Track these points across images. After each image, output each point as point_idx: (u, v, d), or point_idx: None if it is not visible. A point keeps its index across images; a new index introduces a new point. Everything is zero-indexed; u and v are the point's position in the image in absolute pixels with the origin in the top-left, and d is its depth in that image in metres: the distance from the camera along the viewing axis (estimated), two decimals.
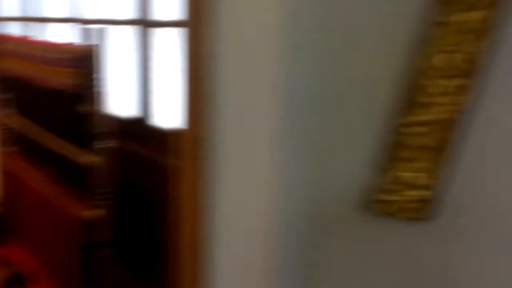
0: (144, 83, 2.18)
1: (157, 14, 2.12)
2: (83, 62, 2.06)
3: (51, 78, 2.29)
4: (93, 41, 2.06)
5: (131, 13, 2.22)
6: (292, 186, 1.16)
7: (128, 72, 2.24)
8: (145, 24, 2.16)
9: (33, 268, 2.52)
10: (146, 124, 2.11)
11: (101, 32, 2.06)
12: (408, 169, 1.13)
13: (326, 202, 1.19)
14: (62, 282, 2.32)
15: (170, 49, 1.87)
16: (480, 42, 1.01)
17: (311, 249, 1.22)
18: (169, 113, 1.90)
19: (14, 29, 3.16)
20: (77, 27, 2.59)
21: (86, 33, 2.13)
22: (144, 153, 1.95)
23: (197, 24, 1.07)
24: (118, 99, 2.24)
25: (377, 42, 1.10)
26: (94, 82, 2.03)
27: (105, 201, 2.04)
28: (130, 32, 2.23)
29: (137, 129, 2.08)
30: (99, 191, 2.04)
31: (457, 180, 1.12)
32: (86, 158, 2.07)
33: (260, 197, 1.10)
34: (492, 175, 1.13)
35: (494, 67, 1.04)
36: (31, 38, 2.84)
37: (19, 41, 2.71)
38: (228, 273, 1.23)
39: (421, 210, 1.14)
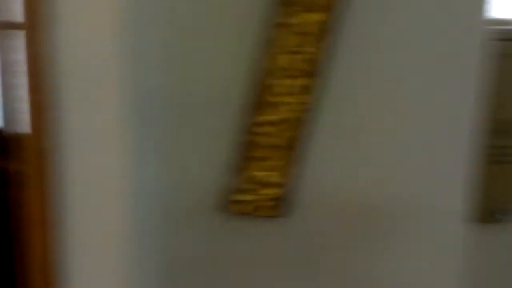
0: (4, 89, 2.04)
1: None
2: None
3: None
4: None
5: None
6: (145, 189, 1.14)
7: None
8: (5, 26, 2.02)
9: None
10: (5, 133, 1.97)
11: None
12: (261, 168, 1.15)
13: (183, 205, 1.18)
14: None
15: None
16: (319, 43, 1.05)
17: (167, 253, 1.20)
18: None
19: None
20: None
21: None
22: (2, 165, 1.82)
23: (35, 26, 1.02)
24: None
25: (225, 43, 1.11)
26: None
27: None
28: None
29: None
30: None
31: (306, 177, 1.16)
32: None
33: (111, 201, 1.06)
34: (337, 171, 1.19)
35: (334, 67, 1.09)
36: None
37: None
38: (82, 282, 1.17)
39: (276, 208, 1.16)
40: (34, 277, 1.22)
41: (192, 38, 1.10)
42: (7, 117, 2.00)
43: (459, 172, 1.26)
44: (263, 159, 1.14)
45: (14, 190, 1.41)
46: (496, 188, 1.59)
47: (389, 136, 1.20)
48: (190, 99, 1.13)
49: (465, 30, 1.18)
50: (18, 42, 1.71)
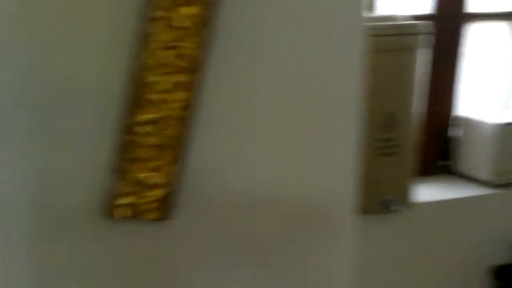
0: None
1: None
2: None
3: None
4: None
5: None
6: (13, 195, 1.06)
7: None
8: None
9: None
10: None
11: None
12: (143, 170, 1.10)
13: (60, 211, 1.10)
14: None
15: None
16: (195, 38, 1.02)
17: (42, 263, 1.12)
18: None
19: None
20: None
21: None
22: None
23: None
24: None
25: (99, 38, 1.05)
26: None
27: None
28: None
29: None
30: None
31: (191, 176, 1.13)
32: None
33: None
34: (223, 169, 1.17)
35: (213, 62, 1.07)
36: None
37: None
38: None
39: (160, 210, 1.12)
40: None
41: (62, 34, 1.03)
42: None
43: (349, 166, 1.28)
44: (145, 160, 1.09)
45: None
46: (384, 179, 1.65)
47: (275, 131, 1.19)
48: (64, 98, 1.05)
49: (346, 26, 1.20)
50: None
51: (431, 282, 1.83)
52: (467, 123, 1.92)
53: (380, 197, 1.65)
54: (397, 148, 1.63)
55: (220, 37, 1.06)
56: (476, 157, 1.88)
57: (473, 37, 1.93)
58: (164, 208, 1.12)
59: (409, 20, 1.66)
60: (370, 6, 1.71)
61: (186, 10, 1.00)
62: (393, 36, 1.58)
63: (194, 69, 1.03)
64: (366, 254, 1.67)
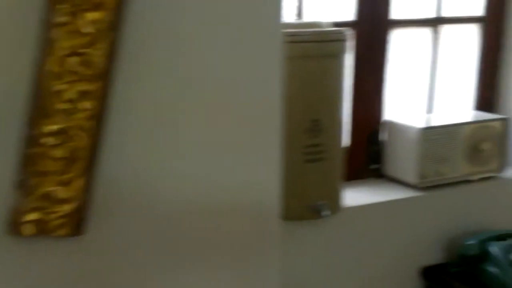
0: None
1: None
2: None
3: None
4: None
5: None
6: None
7: None
8: None
9: None
10: None
11: None
12: (51, 183, 1.04)
13: None
14: None
15: None
16: (100, 44, 0.98)
17: None
18: None
19: None
20: None
21: None
22: None
23: None
24: None
25: None
26: None
27: None
28: None
29: None
30: None
31: (103, 189, 1.08)
32: None
33: None
34: (137, 179, 1.13)
35: (120, 69, 1.03)
36: None
37: None
38: None
39: (71, 226, 1.06)
40: None
41: None
42: None
43: (272, 172, 1.27)
44: (52, 173, 1.03)
45: None
46: (312, 185, 1.64)
47: (191, 138, 1.17)
48: None
49: (264, 31, 1.19)
50: None
51: (362, 285, 1.84)
52: (392, 127, 1.95)
53: (310, 203, 1.64)
54: (324, 153, 1.63)
55: (129, 43, 1.02)
56: (402, 161, 1.91)
57: (397, 43, 1.97)
58: (75, 224, 1.06)
59: (333, 27, 1.67)
60: (295, 13, 1.72)
61: (90, 16, 0.96)
62: (317, 43, 1.58)
63: (100, 76, 0.99)
64: (297, 260, 1.67)
